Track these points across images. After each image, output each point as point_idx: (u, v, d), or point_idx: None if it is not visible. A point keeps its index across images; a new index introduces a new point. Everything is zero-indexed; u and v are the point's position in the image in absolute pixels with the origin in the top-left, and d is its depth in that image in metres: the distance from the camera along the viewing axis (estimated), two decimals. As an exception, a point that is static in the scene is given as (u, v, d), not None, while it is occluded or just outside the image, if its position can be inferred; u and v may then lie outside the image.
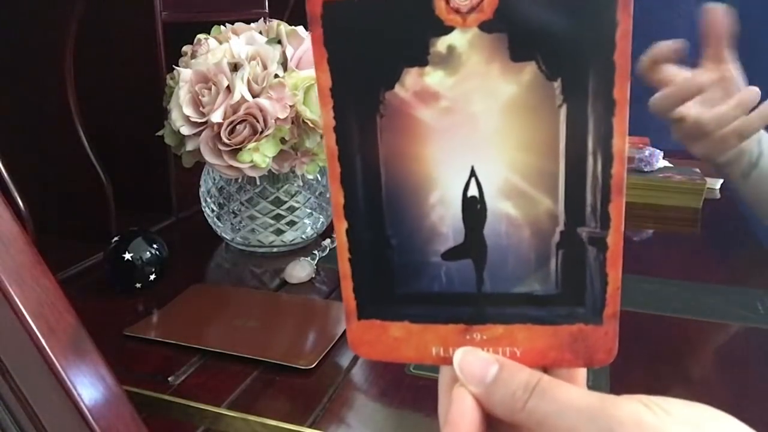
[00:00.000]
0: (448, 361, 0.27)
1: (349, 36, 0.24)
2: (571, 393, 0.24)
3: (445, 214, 0.26)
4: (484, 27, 0.24)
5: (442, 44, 0.24)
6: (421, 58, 0.24)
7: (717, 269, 0.82)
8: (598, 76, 0.23)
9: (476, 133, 0.25)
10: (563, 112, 0.24)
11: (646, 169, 1.08)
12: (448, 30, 0.24)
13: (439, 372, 0.28)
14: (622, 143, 0.24)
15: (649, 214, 1.01)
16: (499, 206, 0.25)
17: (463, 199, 0.26)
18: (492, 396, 0.25)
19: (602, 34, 0.23)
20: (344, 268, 0.27)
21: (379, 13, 0.24)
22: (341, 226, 0.26)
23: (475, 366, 0.26)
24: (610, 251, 0.25)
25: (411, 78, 0.24)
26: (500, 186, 0.25)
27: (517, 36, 0.23)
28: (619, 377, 0.54)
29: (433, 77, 0.24)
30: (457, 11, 0.23)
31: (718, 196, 1.11)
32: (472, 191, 0.25)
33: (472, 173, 0.25)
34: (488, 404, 0.25)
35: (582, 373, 0.28)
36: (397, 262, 0.27)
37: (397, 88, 0.25)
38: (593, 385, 0.54)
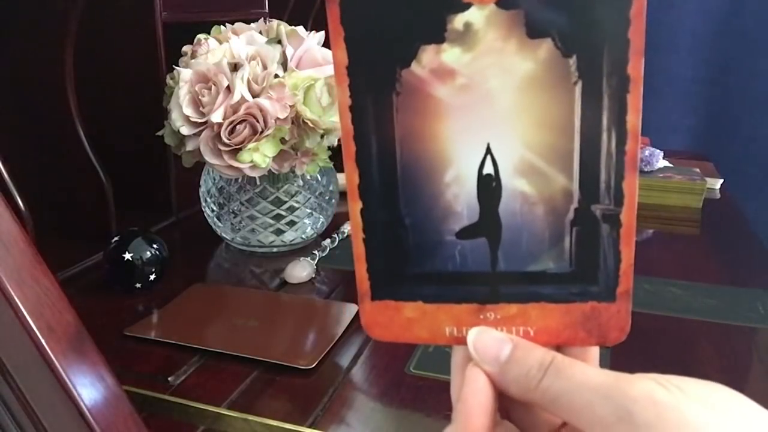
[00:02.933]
0: (462, 341, 0.27)
1: (365, 14, 0.24)
2: (586, 371, 0.24)
3: (459, 193, 0.26)
4: (501, 3, 0.24)
5: (459, 21, 0.24)
6: (438, 35, 0.24)
7: (717, 269, 0.82)
8: (612, 53, 0.24)
9: (492, 111, 0.25)
10: (578, 89, 0.24)
11: (646, 169, 1.08)
12: (465, 7, 0.24)
13: (452, 351, 0.28)
14: (636, 120, 0.24)
15: (649, 214, 1.01)
16: (514, 184, 0.26)
17: (478, 176, 0.26)
18: (506, 375, 0.25)
19: (616, 11, 0.23)
20: (358, 248, 0.27)
21: None
22: (356, 206, 0.26)
23: (490, 345, 0.26)
24: (623, 228, 0.25)
25: (428, 55, 0.24)
26: (515, 163, 0.25)
27: (533, 13, 0.24)
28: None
29: (449, 54, 0.24)
30: None
31: (718, 196, 1.11)
32: (488, 169, 0.25)
33: (488, 150, 0.25)
34: (502, 383, 0.25)
35: (595, 352, 0.28)
36: (411, 241, 0.27)
37: (414, 66, 0.25)
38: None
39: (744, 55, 1.59)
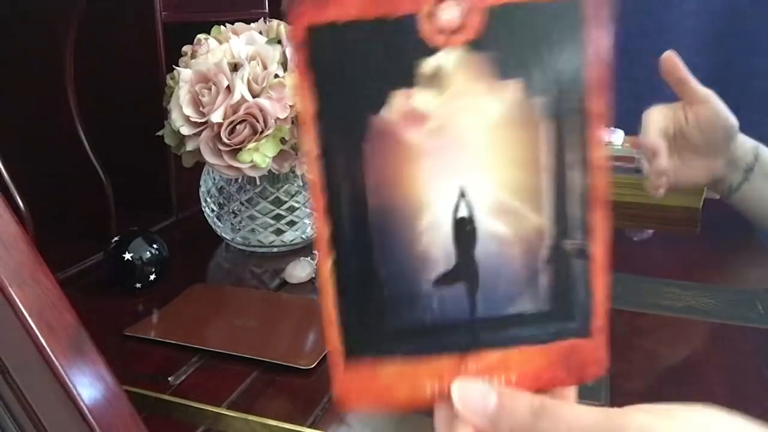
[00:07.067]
0: (443, 396, 0.26)
1: (333, 61, 0.24)
2: (576, 411, 0.24)
3: (435, 238, 0.25)
4: (469, 47, 0.24)
5: (428, 65, 0.24)
6: (407, 80, 0.24)
7: (717, 269, 0.82)
8: (573, 92, 0.24)
9: (464, 153, 0.25)
10: (543, 127, 0.25)
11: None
12: (433, 51, 0.24)
13: (435, 414, 0.27)
14: (600, 154, 0.25)
15: (649, 214, 1.01)
16: (489, 225, 0.25)
17: (453, 220, 0.25)
18: (498, 426, 0.25)
19: (574, 51, 0.24)
20: (328, 310, 0.26)
21: (364, 37, 0.24)
22: (327, 261, 0.25)
23: (475, 397, 0.26)
24: (594, 262, 0.25)
25: (398, 101, 0.24)
26: (490, 205, 0.25)
27: (500, 55, 0.24)
28: (619, 378, 0.54)
29: (420, 99, 0.24)
30: (441, 32, 0.24)
31: (718, 196, 1.11)
32: (462, 212, 0.25)
33: (462, 194, 0.25)
34: None
35: (572, 390, 0.27)
36: (386, 294, 0.26)
37: (384, 112, 0.24)
38: (593, 385, 0.54)
39: (744, 55, 1.59)
